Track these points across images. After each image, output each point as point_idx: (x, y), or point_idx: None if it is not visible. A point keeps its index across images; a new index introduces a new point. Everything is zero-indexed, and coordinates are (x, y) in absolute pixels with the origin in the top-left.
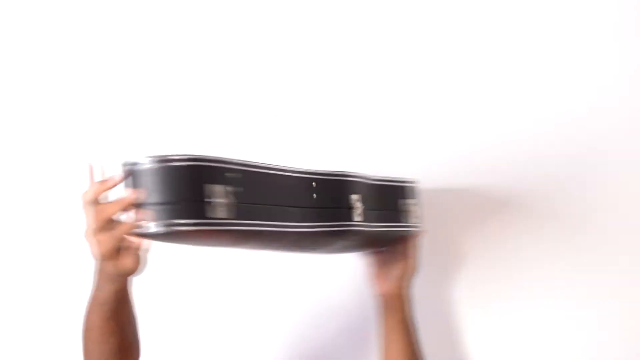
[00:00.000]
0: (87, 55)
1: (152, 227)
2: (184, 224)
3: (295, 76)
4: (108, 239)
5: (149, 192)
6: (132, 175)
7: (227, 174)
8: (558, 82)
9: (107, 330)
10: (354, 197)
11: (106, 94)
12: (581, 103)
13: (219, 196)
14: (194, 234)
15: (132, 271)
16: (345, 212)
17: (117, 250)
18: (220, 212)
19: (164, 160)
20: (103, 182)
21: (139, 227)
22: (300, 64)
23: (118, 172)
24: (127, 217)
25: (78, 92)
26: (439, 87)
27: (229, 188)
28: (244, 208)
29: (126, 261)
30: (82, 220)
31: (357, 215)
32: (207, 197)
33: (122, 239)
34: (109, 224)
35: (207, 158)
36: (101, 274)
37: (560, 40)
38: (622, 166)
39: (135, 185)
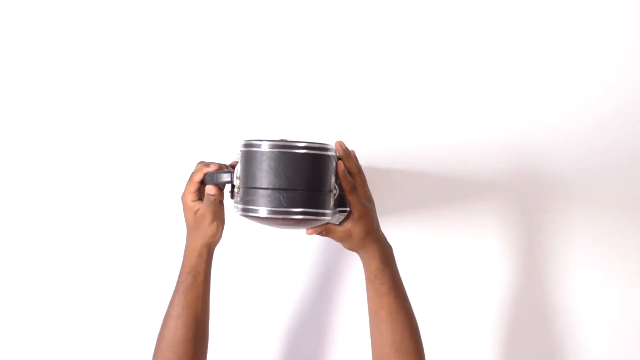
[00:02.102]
0: (87, 55)
1: (264, 212)
2: (299, 212)
3: (295, 76)
4: (188, 187)
5: (265, 175)
6: (249, 156)
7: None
8: (560, 77)
9: (179, 311)
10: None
11: (106, 94)
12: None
13: (334, 187)
14: (296, 222)
15: (203, 222)
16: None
17: (194, 198)
18: (332, 203)
19: (288, 146)
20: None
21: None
22: (300, 63)
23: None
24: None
25: (78, 91)
26: (440, 88)
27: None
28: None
29: (197, 205)
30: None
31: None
32: (330, 188)
33: (197, 184)
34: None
35: (327, 147)
36: (187, 247)
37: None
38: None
39: (250, 166)
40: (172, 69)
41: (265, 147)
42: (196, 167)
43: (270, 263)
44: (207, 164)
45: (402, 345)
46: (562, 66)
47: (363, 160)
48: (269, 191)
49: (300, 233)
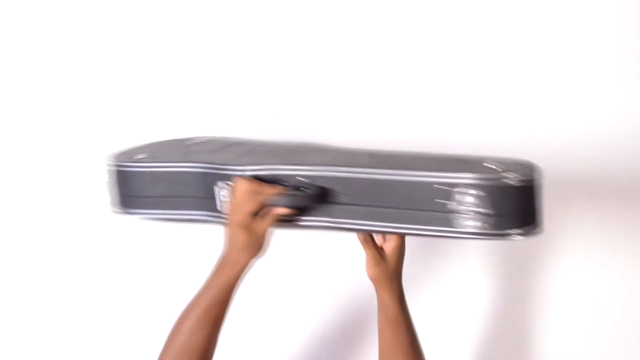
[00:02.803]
0: (87, 55)
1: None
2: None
3: (295, 76)
4: (248, 211)
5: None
6: None
7: None
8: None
9: (202, 321)
10: None
11: (106, 94)
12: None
13: None
14: None
15: (261, 240)
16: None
17: (252, 218)
18: None
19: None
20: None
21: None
22: (300, 64)
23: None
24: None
25: (77, 91)
26: (439, 89)
27: None
28: None
29: (259, 226)
30: None
31: None
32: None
33: (259, 205)
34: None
35: None
36: (225, 258)
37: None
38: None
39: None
40: (172, 69)
41: None
42: (245, 194)
43: (277, 266)
44: (264, 188)
45: None
46: (562, 69)
47: None
48: None
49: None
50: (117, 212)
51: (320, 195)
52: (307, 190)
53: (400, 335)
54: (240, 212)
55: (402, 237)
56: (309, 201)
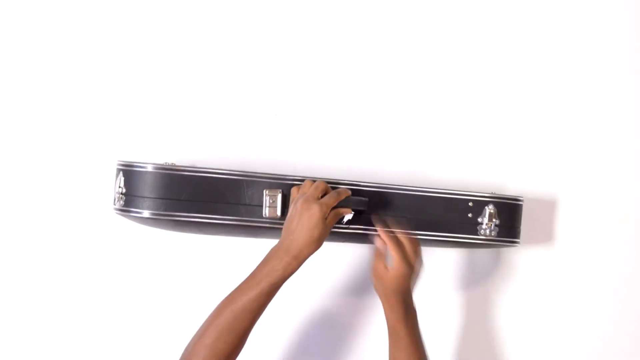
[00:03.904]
0: (88, 56)
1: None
2: None
3: (295, 76)
4: (327, 208)
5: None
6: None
7: None
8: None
9: (253, 306)
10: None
11: (106, 94)
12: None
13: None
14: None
15: (326, 236)
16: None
17: (326, 218)
18: None
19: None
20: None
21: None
22: (300, 64)
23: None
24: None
25: (77, 92)
26: (438, 87)
27: None
28: None
29: (330, 222)
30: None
31: None
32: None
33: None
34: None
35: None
36: (293, 248)
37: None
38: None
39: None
40: (172, 70)
41: None
42: (325, 192)
43: None
44: (340, 189)
45: None
46: (563, 74)
47: (362, 157)
48: None
49: None
50: (148, 216)
51: (374, 205)
52: (364, 198)
53: (399, 350)
54: (326, 205)
55: (409, 267)
56: (367, 207)
